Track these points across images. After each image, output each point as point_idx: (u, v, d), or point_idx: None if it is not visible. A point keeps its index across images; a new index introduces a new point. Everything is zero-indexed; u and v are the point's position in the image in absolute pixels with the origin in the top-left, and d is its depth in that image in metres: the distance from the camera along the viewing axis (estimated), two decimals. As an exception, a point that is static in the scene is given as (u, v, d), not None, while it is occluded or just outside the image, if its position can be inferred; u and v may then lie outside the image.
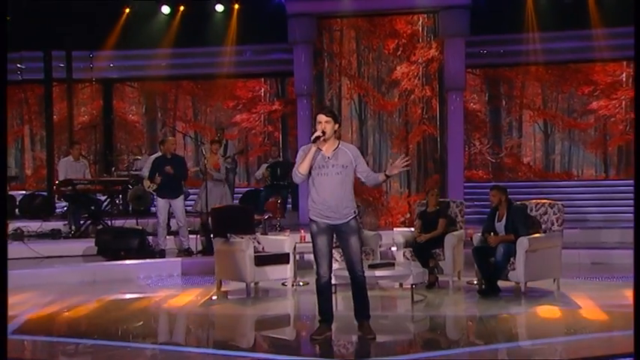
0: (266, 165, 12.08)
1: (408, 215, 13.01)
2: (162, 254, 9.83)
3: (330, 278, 5.60)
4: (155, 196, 10.99)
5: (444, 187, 12.86)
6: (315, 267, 5.67)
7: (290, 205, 12.81)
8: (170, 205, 9.82)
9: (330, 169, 5.42)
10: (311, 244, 6.47)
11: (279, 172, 11.65)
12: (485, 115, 14.46)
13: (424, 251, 8.07)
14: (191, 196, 11.43)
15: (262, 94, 15.36)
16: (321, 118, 5.42)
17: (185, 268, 9.42)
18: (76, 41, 13.74)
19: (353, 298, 5.65)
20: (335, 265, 7.06)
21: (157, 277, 9.17)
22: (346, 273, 5.94)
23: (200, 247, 10.09)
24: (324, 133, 5.37)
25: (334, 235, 5.62)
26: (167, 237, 10.06)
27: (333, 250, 7.60)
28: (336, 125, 5.45)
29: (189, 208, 10.50)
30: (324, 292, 5.58)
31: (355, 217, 5.56)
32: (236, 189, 12.53)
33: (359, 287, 5.59)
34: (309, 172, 5.47)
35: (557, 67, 14.01)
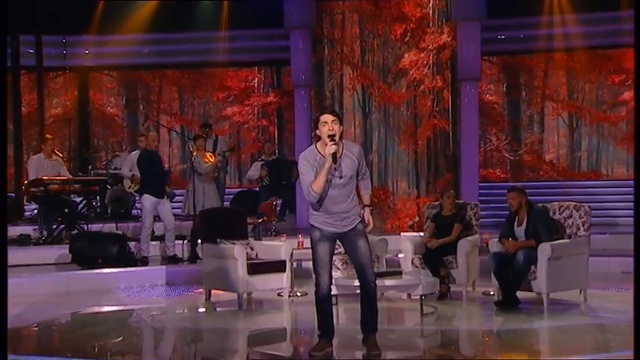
0: (260, 163, 12.05)
1: (417, 219, 13.00)
2: (144, 262, 9.83)
3: (330, 289, 5.60)
4: (136, 197, 10.96)
5: (457, 188, 12.85)
6: (314, 276, 5.65)
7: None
8: (156, 207, 9.80)
9: (336, 182, 5.39)
10: (310, 251, 6.42)
11: (280, 171, 11.62)
12: (502, 108, 14.47)
13: (435, 258, 8.07)
14: (177, 197, 11.42)
15: (256, 85, 15.36)
16: (327, 118, 5.35)
17: (170, 277, 9.41)
18: (48, 24, 13.71)
19: (361, 308, 5.64)
20: (336, 274, 7.07)
21: (138, 288, 9.16)
22: (348, 282, 5.95)
23: (187, 254, 10.11)
24: (335, 142, 5.27)
25: (336, 243, 5.63)
26: (151, 242, 10.04)
27: (334, 257, 7.69)
28: (341, 126, 5.40)
29: (176, 211, 10.49)
30: (324, 303, 5.59)
31: (362, 220, 5.58)
32: (227, 189, 12.53)
33: (369, 297, 5.57)
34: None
35: (585, 53, 13.93)
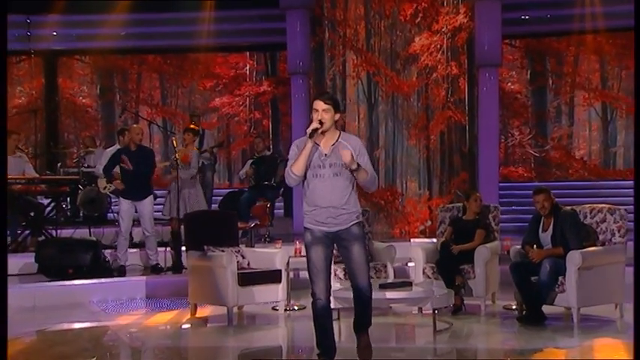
0: (251, 161, 12.07)
1: (429, 223, 13.03)
2: (121, 272, 9.84)
3: (329, 301, 5.64)
4: (112, 199, 10.98)
5: (474, 188, 12.87)
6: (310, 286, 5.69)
7: (282, 211, 12.82)
8: (136, 210, 9.82)
9: (327, 170, 5.53)
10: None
11: (264, 170, 11.61)
12: (526, 98, 14.50)
13: (450, 267, 8.07)
14: (159, 199, 11.42)
15: (247, 72, 15.40)
16: (318, 105, 5.52)
17: (151, 290, 9.42)
18: (9, 1, 13.62)
19: (354, 313, 5.75)
20: (337, 285, 7.07)
21: (114, 301, 9.16)
22: (349, 294, 5.97)
23: (170, 262, 10.13)
24: (321, 124, 5.45)
25: (334, 247, 5.70)
26: (130, 250, 10.06)
27: (336, 267, 7.71)
28: (337, 115, 5.57)
29: (157, 214, 10.49)
30: (322, 317, 5.64)
31: (358, 222, 5.64)
32: (215, 190, 12.56)
33: (363, 304, 5.68)
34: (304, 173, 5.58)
35: (621, 35, 13.87)
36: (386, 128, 13.85)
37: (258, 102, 15.19)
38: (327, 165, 5.52)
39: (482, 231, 8.30)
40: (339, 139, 5.58)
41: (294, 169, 5.49)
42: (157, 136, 15.13)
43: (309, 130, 5.45)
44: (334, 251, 5.73)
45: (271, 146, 14.43)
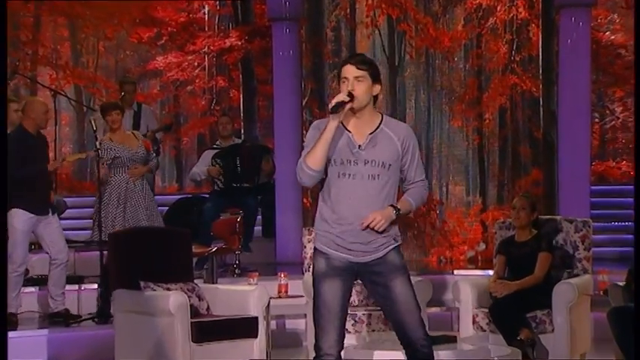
0: (213, 152, 12.01)
1: (483, 246, 13.06)
2: (9, 323, 9.84)
3: (340, 357, 5.67)
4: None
5: (552, 194, 12.90)
6: (310, 339, 5.77)
7: (260, 228, 12.82)
8: (35, 229, 9.82)
9: (360, 168, 5.61)
10: (298, 301, 6.41)
11: (241, 166, 11.61)
12: (634, 55, 14.51)
13: (511, 314, 8.10)
14: (69, 211, 11.45)
15: (206, 17, 15.42)
16: (348, 71, 5.65)
17: (57, 349, 9.44)
18: None
19: None
20: (349, 339, 7.10)
21: (1, 367, 9.18)
22: (365, 355, 6.03)
23: (89, 308, 10.17)
24: (351, 96, 5.56)
25: (355, 282, 5.76)
26: (24, 289, 10.08)
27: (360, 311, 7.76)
28: (376, 86, 5.72)
29: (69, 233, 10.50)
30: None
31: (397, 246, 5.68)
32: (159, 197, 12.54)
33: None
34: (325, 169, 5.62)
35: None
36: (416, 102, 13.90)
37: (223, 63, 15.19)
38: (360, 161, 5.58)
39: (547, 254, 8.31)
40: (381, 126, 5.69)
41: (310, 160, 5.55)
42: (66, 114, 15.14)
43: (332, 103, 5.51)
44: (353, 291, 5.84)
45: (242, 130, 14.44)
